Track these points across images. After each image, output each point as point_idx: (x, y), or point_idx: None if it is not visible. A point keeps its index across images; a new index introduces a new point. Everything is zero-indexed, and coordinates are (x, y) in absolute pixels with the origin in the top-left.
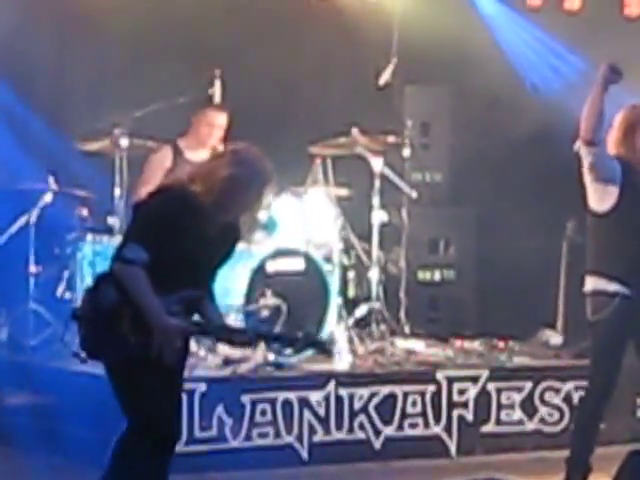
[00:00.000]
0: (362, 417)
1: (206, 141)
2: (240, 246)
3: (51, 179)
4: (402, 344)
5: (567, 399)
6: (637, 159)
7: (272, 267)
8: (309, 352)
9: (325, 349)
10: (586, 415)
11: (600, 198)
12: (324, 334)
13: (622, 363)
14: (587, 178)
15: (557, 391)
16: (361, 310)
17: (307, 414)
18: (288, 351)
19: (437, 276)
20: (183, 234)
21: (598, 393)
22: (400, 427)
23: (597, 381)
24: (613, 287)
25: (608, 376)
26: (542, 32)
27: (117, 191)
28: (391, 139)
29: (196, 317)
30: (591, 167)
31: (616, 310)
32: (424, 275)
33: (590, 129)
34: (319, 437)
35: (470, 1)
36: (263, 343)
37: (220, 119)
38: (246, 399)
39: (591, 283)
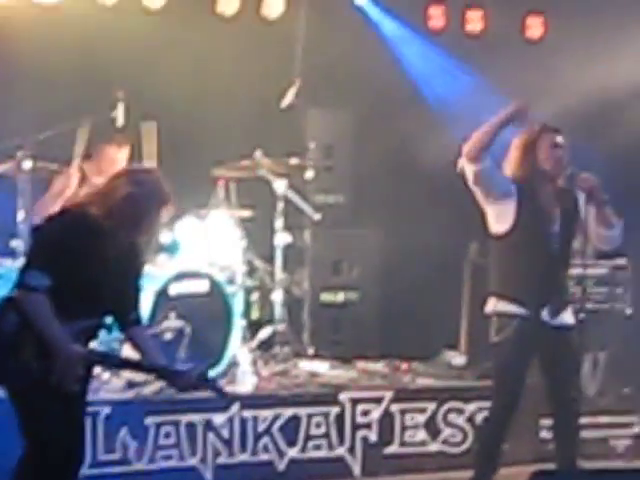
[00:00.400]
0: (266, 439)
1: (108, 172)
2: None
3: None
4: (306, 366)
5: (470, 420)
6: (538, 175)
7: (175, 289)
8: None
9: (215, 389)
10: (489, 435)
11: (497, 220)
12: (226, 357)
13: (525, 384)
14: (481, 199)
15: (460, 412)
16: (265, 332)
17: (211, 436)
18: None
19: (340, 298)
20: (83, 257)
21: (501, 413)
22: (304, 449)
23: (500, 401)
24: (512, 308)
25: (511, 396)
26: (443, 54)
27: (20, 214)
28: (294, 161)
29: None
30: (476, 182)
31: (517, 331)
32: (328, 297)
33: (478, 148)
34: (223, 459)
35: (373, 24)
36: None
37: (121, 154)
38: (150, 421)
39: (492, 304)
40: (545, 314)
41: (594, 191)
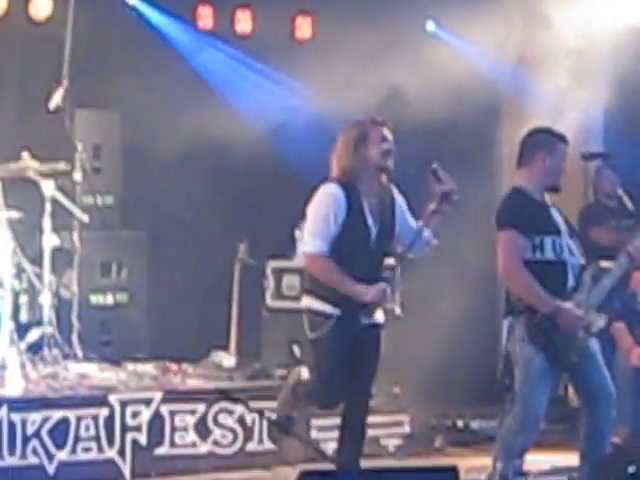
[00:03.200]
0: (35, 442)
1: None
2: None
3: None
4: (75, 368)
5: (240, 421)
6: (369, 168)
7: None
8: None
9: None
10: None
11: None
12: None
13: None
14: None
15: (230, 413)
16: (33, 334)
17: None
18: None
19: (110, 299)
20: None
21: (323, 408)
22: (73, 451)
23: (321, 397)
24: (325, 308)
25: (328, 397)
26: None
27: None
28: (62, 163)
29: None
30: None
31: (331, 329)
32: (97, 299)
33: None
34: None
35: (146, 23)
36: None
37: None
38: None
39: (306, 301)
40: (361, 313)
41: (449, 197)
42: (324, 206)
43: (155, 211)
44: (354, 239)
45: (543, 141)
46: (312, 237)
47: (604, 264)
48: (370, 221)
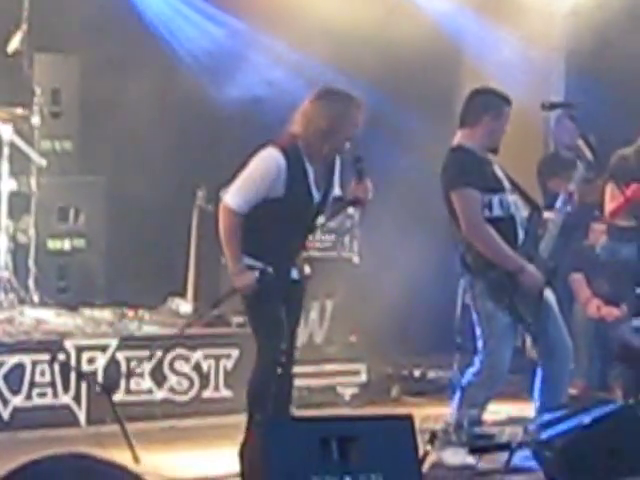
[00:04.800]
0: None
1: None
2: None
3: None
4: (31, 313)
5: (196, 368)
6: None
7: None
8: None
9: None
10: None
11: None
12: None
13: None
14: None
15: (187, 360)
16: None
17: None
18: None
19: (67, 245)
20: None
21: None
22: (29, 397)
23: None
24: (257, 264)
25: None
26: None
27: None
28: (20, 107)
29: None
30: None
31: (267, 285)
32: (54, 244)
33: None
34: None
35: None
36: None
37: None
38: None
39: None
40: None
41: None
42: (261, 170)
43: (114, 157)
44: (295, 207)
45: (489, 103)
46: (235, 192)
47: (547, 214)
48: (314, 190)
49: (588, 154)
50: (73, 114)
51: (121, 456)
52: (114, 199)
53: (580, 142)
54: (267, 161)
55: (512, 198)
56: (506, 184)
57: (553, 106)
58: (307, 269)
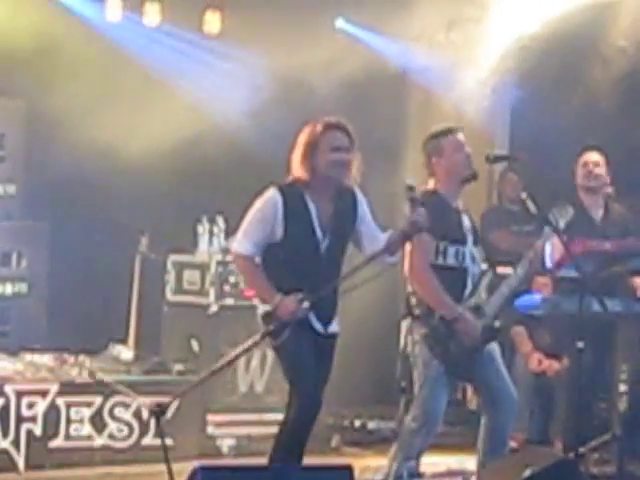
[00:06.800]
0: None
1: None
2: None
3: None
4: None
5: (137, 414)
6: (318, 178)
7: None
8: None
9: None
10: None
11: None
12: None
13: None
14: None
15: (127, 406)
16: None
17: None
18: None
19: (9, 290)
20: None
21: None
22: None
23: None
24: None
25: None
26: None
27: None
28: None
29: None
30: None
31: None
32: None
33: None
34: None
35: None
36: None
37: None
38: None
39: (262, 307)
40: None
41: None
42: (261, 210)
43: (58, 202)
44: (299, 249)
45: (429, 147)
46: (241, 237)
47: (501, 270)
48: (319, 231)
49: (532, 208)
50: (17, 158)
51: None
52: (57, 244)
53: (524, 195)
54: (264, 198)
55: (471, 250)
56: (469, 236)
57: (497, 159)
58: (335, 326)
